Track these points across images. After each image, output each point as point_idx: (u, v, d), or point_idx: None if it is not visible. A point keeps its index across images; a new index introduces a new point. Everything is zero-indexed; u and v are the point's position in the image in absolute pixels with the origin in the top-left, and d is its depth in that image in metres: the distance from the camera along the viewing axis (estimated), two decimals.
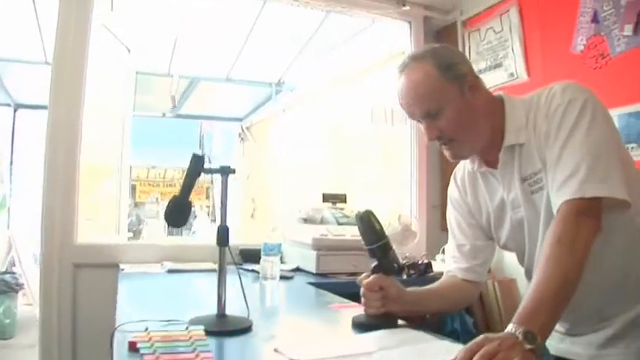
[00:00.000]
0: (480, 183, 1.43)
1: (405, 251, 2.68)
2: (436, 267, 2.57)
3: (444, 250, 2.99)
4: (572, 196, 1.11)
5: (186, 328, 1.04)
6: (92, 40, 2.59)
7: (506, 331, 0.96)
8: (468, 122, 1.29)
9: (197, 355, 0.87)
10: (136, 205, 11.69)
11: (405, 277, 2.46)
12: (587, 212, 1.10)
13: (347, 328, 1.31)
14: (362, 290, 1.34)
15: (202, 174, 1.28)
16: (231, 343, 1.13)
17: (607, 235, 1.14)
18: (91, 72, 2.57)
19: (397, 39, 3.51)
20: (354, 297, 1.75)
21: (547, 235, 1.13)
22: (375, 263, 1.35)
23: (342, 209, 2.81)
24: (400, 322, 1.34)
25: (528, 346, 0.91)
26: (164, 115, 6.66)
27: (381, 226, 1.33)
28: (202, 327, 1.07)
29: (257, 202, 6.36)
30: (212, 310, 1.29)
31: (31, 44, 4.57)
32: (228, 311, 1.29)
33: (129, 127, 3.24)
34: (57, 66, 2.50)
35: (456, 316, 2.46)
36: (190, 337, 0.96)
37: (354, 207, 2.86)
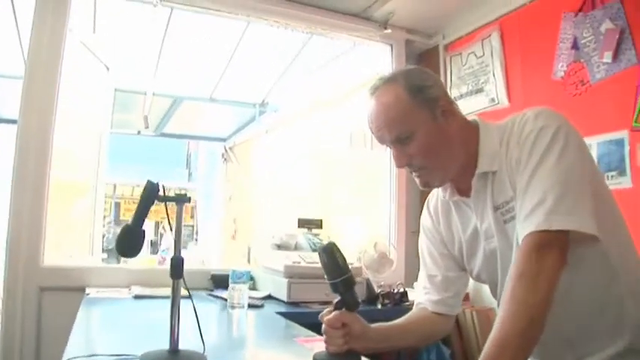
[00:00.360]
0: (452, 212, 1.38)
1: (381, 279, 2.61)
2: (412, 296, 2.49)
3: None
4: (537, 228, 1.06)
5: None
6: (70, 57, 2.53)
7: None
8: (440, 148, 1.24)
9: None
10: (120, 222, 11.60)
11: (379, 306, 2.39)
12: (552, 245, 1.05)
13: None
14: (323, 327, 1.27)
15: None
16: None
17: (576, 267, 1.09)
18: (68, 89, 2.51)
19: (379, 62, 3.49)
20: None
21: (510, 269, 1.08)
22: (337, 299, 1.27)
23: (317, 235, 2.74)
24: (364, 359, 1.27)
25: None
26: (139, 132, 6.57)
27: (344, 259, 1.27)
28: None
29: (239, 224, 6.28)
30: (167, 344, 1.22)
31: (11, 58, 4.50)
32: (185, 345, 1.21)
33: (106, 145, 3.17)
34: (28, 78, 2.42)
35: (432, 347, 2.38)
36: None
37: (330, 232, 2.80)
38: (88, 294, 2.22)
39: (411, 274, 3.03)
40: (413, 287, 2.80)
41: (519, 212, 1.13)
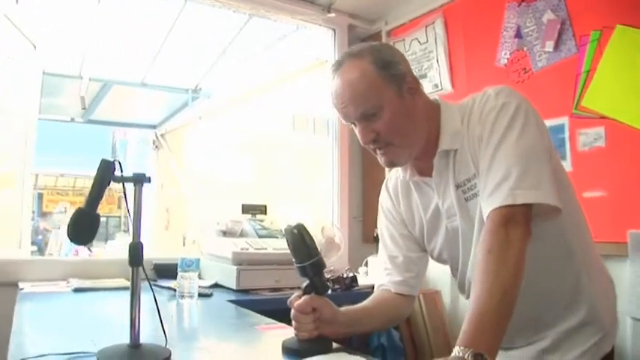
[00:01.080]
0: (413, 192, 1.38)
1: (329, 265, 2.58)
2: (361, 281, 2.49)
3: (367, 262, 2.95)
4: (502, 203, 1.07)
5: None
6: None
7: (453, 354, 0.91)
8: (406, 125, 1.22)
9: None
10: (43, 215, 10.95)
11: (329, 291, 2.36)
12: (517, 219, 1.06)
13: (276, 354, 1.19)
14: (293, 312, 1.22)
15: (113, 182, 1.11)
16: None
17: (537, 243, 1.10)
18: None
19: (320, 47, 3.45)
20: (278, 315, 1.65)
21: (479, 245, 1.08)
22: (306, 283, 1.23)
23: (261, 221, 2.68)
24: (334, 344, 1.23)
25: None
26: (72, 119, 6.22)
27: (313, 241, 1.22)
28: None
29: (171, 213, 6.08)
30: (124, 337, 1.13)
31: None
32: (143, 338, 1.13)
33: (33, 132, 2.93)
34: None
35: (383, 331, 2.40)
36: None
37: (274, 218, 2.75)
38: (22, 289, 2.05)
39: (356, 259, 3.03)
40: (358, 272, 2.81)
41: (483, 189, 1.13)
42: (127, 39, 4.50)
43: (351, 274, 2.46)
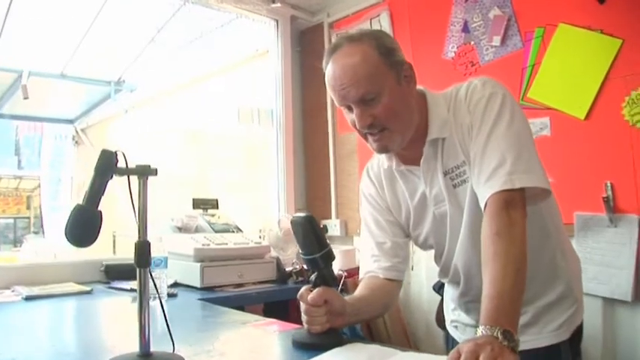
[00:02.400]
0: (398, 180, 1.40)
1: (287, 258, 2.56)
2: None
3: None
4: (501, 188, 1.12)
5: None
6: None
7: (480, 333, 0.94)
8: (402, 112, 1.25)
9: None
10: None
11: (291, 284, 2.35)
12: (516, 201, 1.11)
13: (289, 349, 1.16)
14: (303, 306, 1.19)
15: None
16: None
17: None
18: None
19: (260, 37, 3.41)
20: (249, 311, 1.63)
21: (483, 229, 1.12)
22: (315, 275, 1.21)
23: (213, 215, 2.61)
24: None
25: (509, 345, 0.91)
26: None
27: (323, 233, 1.20)
28: None
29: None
30: (110, 346, 1.05)
31: None
32: (128, 345, 1.06)
33: None
34: None
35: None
36: None
37: (223, 212, 2.68)
38: None
39: None
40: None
41: (478, 175, 1.18)
42: (46, 26, 4.19)
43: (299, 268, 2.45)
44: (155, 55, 4.71)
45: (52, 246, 5.16)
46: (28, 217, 8.68)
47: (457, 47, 2.59)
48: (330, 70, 1.24)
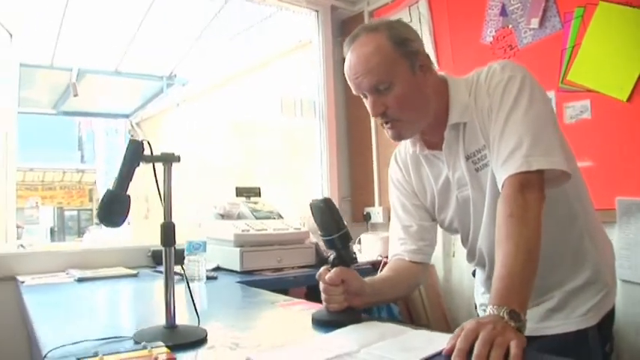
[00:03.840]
0: (423, 165, 1.43)
1: None
2: (360, 257, 2.55)
3: (359, 240, 3.00)
4: (517, 170, 1.12)
5: (144, 347, 0.88)
6: None
7: (488, 312, 0.96)
8: (416, 101, 1.26)
9: None
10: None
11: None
12: (532, 184, 1.11)
13: (308, 326, 1.21)
14: (322, 285, 1.24)
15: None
16: (194, 358, 0.99)
17: (545, 209, 1.15)
18: None
19: (303, 28, 3.45)
20: (284, 292, 1.70)
21: (498, 211, 1.13)
22: (333, 256, 1.25)
23: (255, 203, 2.69)
24: (364, 315, 1.26)
25: (515, 325, 0.92)
26: (57, 112, 6.04)
27: (340, 215, 1.25)
28: (161, 343, 0.92)
29: (151, 202, 6.00)
30: (146, 320, 1.14)
31: None
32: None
33: (14, 125, 2.86)
34: None
35: (383, 304, 2.45)
36: (157, 358, 0.81)
37: (266, 200, 2.76)
38: (23, 282, 2.02)
39: None
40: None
41: (496, 158, 1.18)
42: (100, 27, 4.39)
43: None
44: (203, 50, 4.85)
45: (110, 236, 5.43)
46: (91, 209, 9.10)
47: (495, 31, 2.56)
48: (347, 59, 1.27)
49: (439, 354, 0.91)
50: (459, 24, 2.74)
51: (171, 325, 1.11)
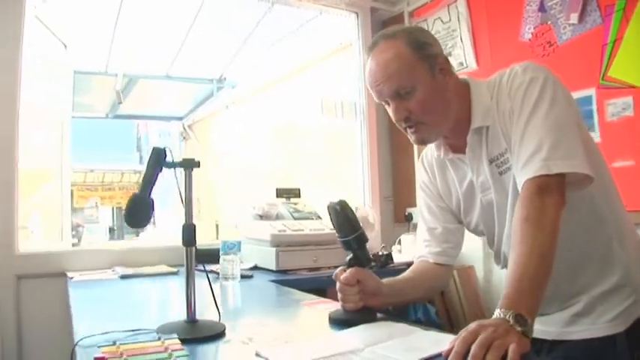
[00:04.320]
0: (448, 168, 1.43)
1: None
2: (396, 259, 2.54)
3: (400, 241, 3.00)
4: (536, 174, 1.11)
5: (159, 338, 0.94)
6: (26, 34, 2.41)
7: (495, 316, 0.95)
8: (438, 104, 1.27)
9: None
10: (74, 210, 11.14)
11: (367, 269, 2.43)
12: (551, 188, 1.10)
13: (324, 325, 1.25)
14: (338, 285, 1.28)
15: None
16: (208, 351, 1.05)
17: (569, 212, 1.13)
18: (27, 71, 2.40)
19: (343, 31, 3.49)
20: (319, 293, 1.72)
21: (515, 215, 1.12)
22: (350, 256, 1.29)
23: (295, 204, 2.75)
24: (379, 315, 1.29)
25: (521, 329, 0.91)
26: (107, 115, 6.36)
27: (355, 216, 1.28)
28: (176, 335, 0.98)
29: (202, 203, 6.19)
30: (176, 316, 1.21)
31: None
32: (199, 316, 1.21)
33: (68, 129, 3.05)
34: None
35: (419, 305, 2.45)
36: (166, 349, 0.87)
37: (307, 201, 2.81)
38: (71, 278, 2.16)
39: (389, 239, 3.09)
40: (392, 251, 2.86)
41: (517, 161, 1.17)
42: (151, 34, 4.58)
43: (386, 252, 2.50)
44: (250, 54, 4.96)
45: (163, 235, 5.64)
46: None
47: (534, 28, 2.51)
48: (367, 67, 1.29)
49: (440, 355, 0.92)
50: (498, 21, 2.71)
51: (191, 319, 1.17)
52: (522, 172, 1.14)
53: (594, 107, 2.26)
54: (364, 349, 0.98)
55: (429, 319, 2.42)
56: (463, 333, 0.91)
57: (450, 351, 0.89)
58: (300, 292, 1.74)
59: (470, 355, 0.85)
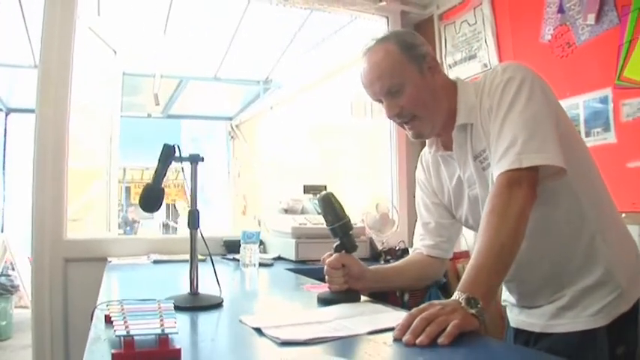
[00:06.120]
0: (441, 165, 1.51)
1: (383, 238, 2.76)
2: None
3: None
4: (509, 167, 1.17)
5: (158, 302, 1.11)
6: (79, 44, 2.65)
7: (451, 298, 1.04)
8: (427, 100, 1.35)
9: (162, 321, 0.95)
10: (132, 207, 11.68)
11: (382, 262, 2.55)
12: (521, 181, 1.15)
13: (312, 303, 1.39)
14: (325, 268, 1.41)
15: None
16: (201, 316, 1.22)
17: (550, 206, 1.21)
18: (78, 75, 2.64)
19: (375, 34, 3.59)
20: None
21: (484, 207, 1.20)
22: (337, 242, 1.42)
23: None
24: (364, 298, 1.41)
25: (471, 311, 1.00)
26: (149, 115, 6.70)
27: (341, 206, 1.41)
28: (172, 302, 1.14)
29: (248, 200, 6.44)
30: (187, 290, 1.38)
31: (19, 48, 4.66)
32: (204, 292, 1.38)
33: (117, 129, 3.31)
34: (43, 68, 2.55)
35: (434, 298, 2.54)
36: (159, 308, 1.04)
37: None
38: (110, 261, 2.39)
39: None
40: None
41: (493, 156, 1.25)
42: (199, 38, 4.83)
43: (402, 247, 2.63)
44: (293, 56, 5.14)
45: (212, 228, 5.93)
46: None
47: (553, 29, 2.55)
48: (361, 69, 1.40)
49: (393, 328, 1.01)
50: (520, 23, 2.76)
51: (194, 292, 1.35)
52: (497, 167, 1.21)
53: (610, 107, 2.28)
54: (333, 321, 1.11)
55: None
56: (413, 310, 1.01)
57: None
58: (310, 278, 1.88)
59: (411, 326, 0.96)
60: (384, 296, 1.45)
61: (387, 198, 3.38)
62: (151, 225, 8.95)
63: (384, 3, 3.29)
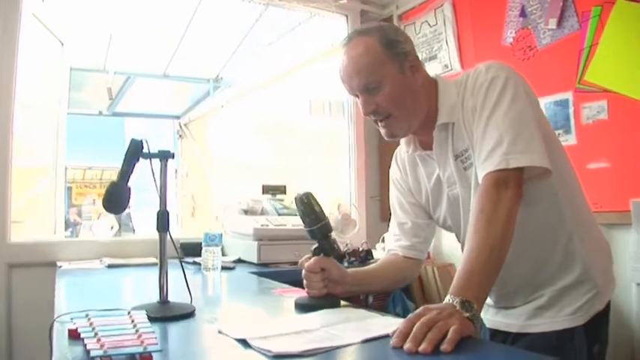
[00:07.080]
0: (418, 164, 1.47)
1: (346, 239, 2.72)
2: (376, 255, 2.62)
3: (383, 239, 3.06)
4: (496, 168, 1.15)
5: (128, 313, 1.01)
6: (23, 34, 2.48)
7: (444, 302, 1.01)
8: (405, 99, 1.31)
9: (140, 336, 0.86)
10: (73, 207, 11.16)
11: (346, 264, 2.50)
12: (508, 181, 1.14)
13: (290, 310, 1.32)
14: (303, 272, 1.35)
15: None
16: (175, 328, 1.12)
17: (530, 206, 1.19)
18: (21, 66, 2.46)
19: (334, 33, 3.55)
20: (298, 284, 1.77)
21: (472, 207, 1.18)
22: (315, 245, 1.36)
23: (281, 200, 2.82)
24: (343, 302, 1.35)
25: (466, 314, 0.96)
26: (100, 113, 6.44)
27: (320, 208, 1.35)
28: (144, 312, 1.05)
29: (197, 200, 6.27)
30: (150, 298, 1.28)
31: None
32: (171, 300, 1.28)
33: (63, 126, 3.12)
34: None
35: (398, 301, 2.52)
36: (133, 321, 0.94)
37: (293, 198, 2.88)
38: (60, 267, 2.23)
39: (374, 237, 3.15)
40: (375, 248, 2.93)
41: (478, 156, 1.22)
42: (148, 32, 4.65)
43: (366, 248, 2.59)
44: (245, 54, 5.04)
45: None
46: None
47: (515, 32, 2.58)
48: (340, 62, 1.35)
49: (387, 336, 0.97)
50: (482, 26, 2.78)
51: (163, 301, 1.25)
52: (483, 167, 1.19)
53: (571, 110, 2.32)
54: (320, 328, 1.05)
55: (407, 314, 2.49)
56: (410, 315, 0.96)
57: (396, 331, 0.94)
58: (276, 282, 1.81)
59: (411, 333, 0.91)
60: (348, 299, 1.39)
61: (345, 199, 3.35)
62: (96, 227, 8.55)
63: (344, 1, 3.25)
